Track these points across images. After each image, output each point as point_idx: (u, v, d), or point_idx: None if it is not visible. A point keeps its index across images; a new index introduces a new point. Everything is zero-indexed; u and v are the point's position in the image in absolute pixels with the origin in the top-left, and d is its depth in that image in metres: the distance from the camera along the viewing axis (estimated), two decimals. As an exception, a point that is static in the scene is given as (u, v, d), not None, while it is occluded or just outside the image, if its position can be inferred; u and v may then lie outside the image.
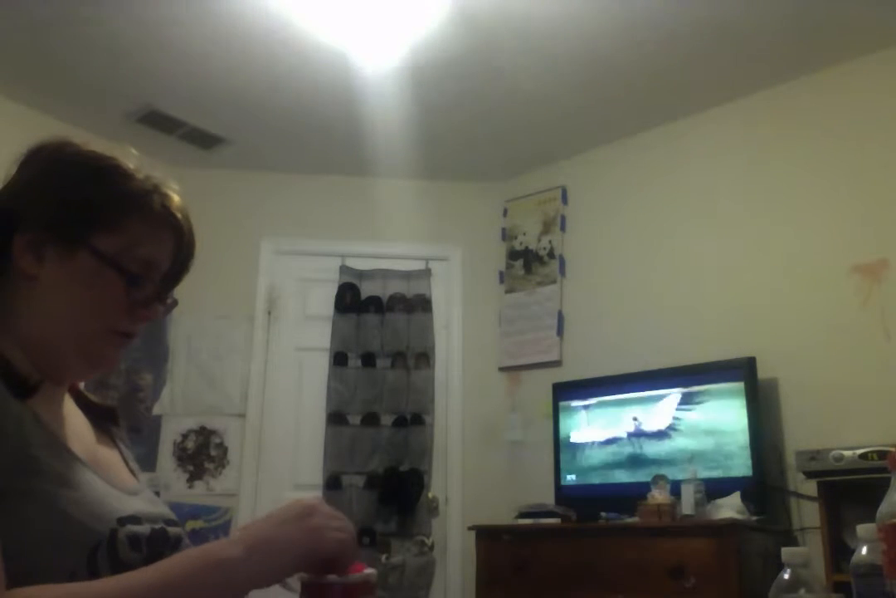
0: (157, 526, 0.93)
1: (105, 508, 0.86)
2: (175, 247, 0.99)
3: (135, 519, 0.89)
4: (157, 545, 0.91)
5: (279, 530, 0.81)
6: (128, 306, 0.95)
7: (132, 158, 1.00)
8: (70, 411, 1.00)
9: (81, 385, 1.08)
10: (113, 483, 0.93)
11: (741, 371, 3.07)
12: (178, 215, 0.99)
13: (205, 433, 3.86)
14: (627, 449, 3.29)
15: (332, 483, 3.78)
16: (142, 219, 0.96)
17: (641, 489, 2.99)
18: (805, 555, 1.00)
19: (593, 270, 3.86)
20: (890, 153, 3.09)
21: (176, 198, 1.00)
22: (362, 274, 4.10)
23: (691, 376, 3.19)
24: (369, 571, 0.81)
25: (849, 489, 2.66)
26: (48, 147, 0.99)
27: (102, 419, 1.07)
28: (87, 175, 0.96)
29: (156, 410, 3.84)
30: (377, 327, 4.02)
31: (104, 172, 0.97)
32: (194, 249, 1.03)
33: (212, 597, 0.77)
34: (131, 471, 1.05)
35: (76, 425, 0.99)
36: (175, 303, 1.04)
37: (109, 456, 1.02)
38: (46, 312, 0.93)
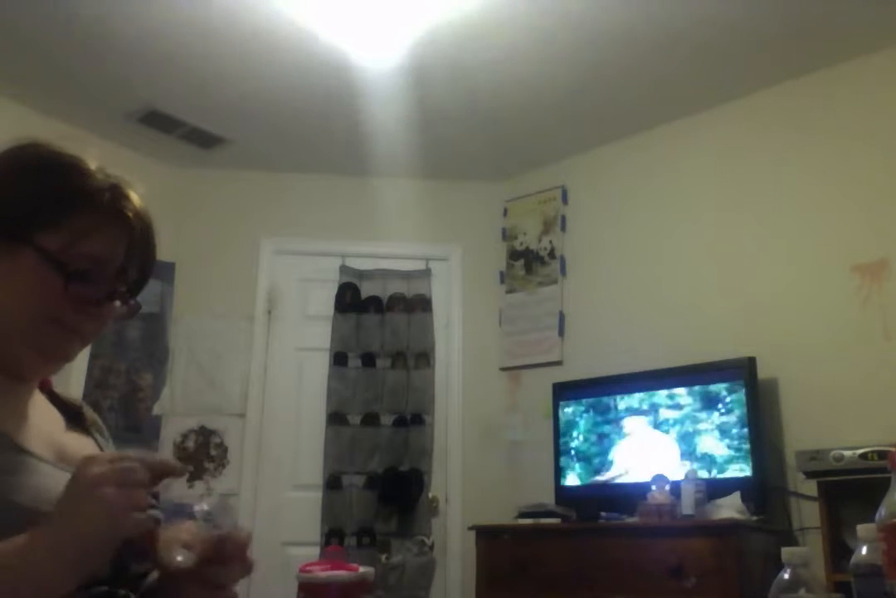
0: None
1: (58, 493, 0.88)
2: (126, 246, 0.99)
3: None
4: None
5: (73, 526, 0.77)
6: (70, 299, 0.95)
7: (95, 159, 1.00)
8: (36, 407, 1.01)
9: (66, 385, 1.09)
10: None
11: (741, 371, 3.06)
12: (129, 213, 0.99)
13: (205, 433, 3.86)
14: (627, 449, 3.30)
15: (332, 483, 3.78)
16: (86, 214, 0.96)
17: (641, 489, 3.00)
18: (805, 555, 1.00)
19: (594, 270, 3.86)
20: (890, 153, 3.09)
21: (134, 197, 1.00)
22: (362, 274, 4.10)
23: (691, 376, 3.19)
24: (365, 569, 0.81)
25: (849, 489, 2.66)
26: (10, 150, 0.99)
27: (72, 417, 1.09)
28: (32, 173, 0.97)
29: (156, 410, 3.84)
30: (377, 327, 4.02)
31: (54, 170, 0.98)
32: (152, 250, 1.03)
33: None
34: None
35: (41, 421, 1.00)
36: (138, 306, 1.03)
37: (80, 447, 1.03)
38: None
